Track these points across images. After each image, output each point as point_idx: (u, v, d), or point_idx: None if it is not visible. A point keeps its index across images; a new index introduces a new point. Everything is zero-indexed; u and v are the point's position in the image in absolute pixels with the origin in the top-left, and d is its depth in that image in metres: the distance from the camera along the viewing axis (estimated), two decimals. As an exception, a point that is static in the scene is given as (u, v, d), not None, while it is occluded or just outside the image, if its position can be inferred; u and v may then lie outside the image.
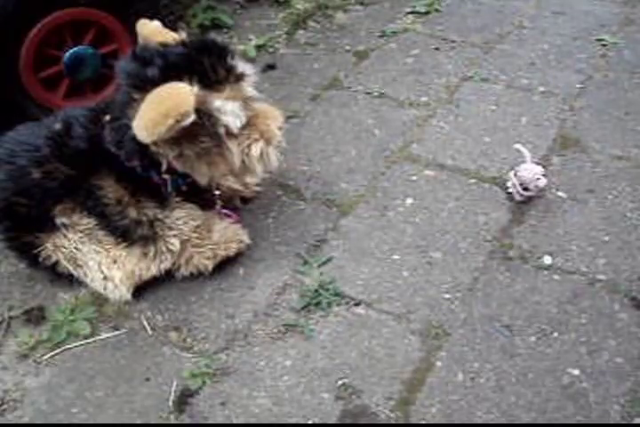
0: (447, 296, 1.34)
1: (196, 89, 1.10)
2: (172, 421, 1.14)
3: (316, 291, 1.34)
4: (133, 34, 1.30)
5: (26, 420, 1.14)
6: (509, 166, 1.60)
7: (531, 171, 1.49)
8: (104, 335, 1.29)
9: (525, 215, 1.51)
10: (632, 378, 1.18)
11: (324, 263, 1.41)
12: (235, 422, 1.13)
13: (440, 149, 1.73)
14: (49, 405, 1.16)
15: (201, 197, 1.36)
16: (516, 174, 1.52)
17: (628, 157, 1.68)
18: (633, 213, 1.51)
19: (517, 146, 1.56)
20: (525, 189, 1.51)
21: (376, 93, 1.96)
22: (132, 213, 1.25)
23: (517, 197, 1.53)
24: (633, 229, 1.47)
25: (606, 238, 1.45)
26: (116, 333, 1.29)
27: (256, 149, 1.24)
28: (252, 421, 1.13)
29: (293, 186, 1.62)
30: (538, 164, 1.56)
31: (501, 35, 2.28)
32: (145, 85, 1.12)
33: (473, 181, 1.62)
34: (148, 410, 1.15)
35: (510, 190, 1.55)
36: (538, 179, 1.48)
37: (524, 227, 1.49)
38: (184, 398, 1.17)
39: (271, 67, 2.11)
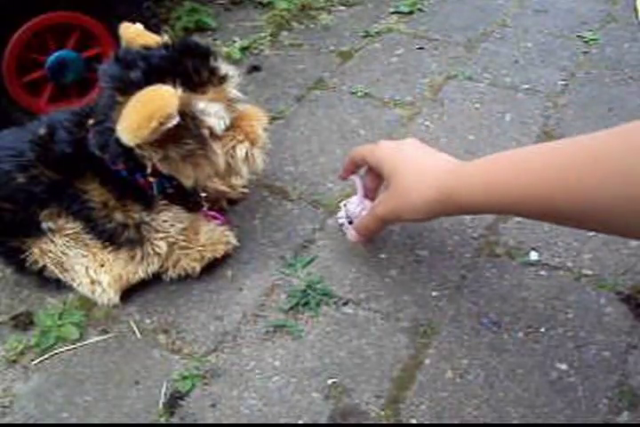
0: (435, 294, 1.34)
1: (179, 91, 1.10)
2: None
3: (304, 291, 1.34)
4: (117, 37, 1.29)
5: (15, 426, 1.14)
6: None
7: None
8: (93, 339, 1.28)
9: (511, 212, 1.51)
10: (619, 371, 1.19)
11: (312, 263, 1.41)
12: (225, 423, 1.13)
13: (425, 147, 1.74)
14: (38, 410, 1.16)
15: (187, 199, 1.36)
16: None
17: (611, 152, 1.69)
18: (617, 208, 1.52)
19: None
20: None
21: (361, 93, 1.97)
22: (118, 216, 1.25)
23: None
24: (617, 224, 1.48)
25: (591, 233, 1.46)
26: (105, 337, 1.29)
27: (241, 151, 1.24)
28: (243, 421, 1.13)
29: (280, 187, 1.63)
30: None
31: (485, 33, 2.30)
32: (128, 88, 1.11)
33: (459, 179, 1.63)
34: (138, 413, 1.15)
35: None
36: None
37: (510, 223, 1.50)
38: (174, 401, 1.17)
39: (256, 68, 2.11)
